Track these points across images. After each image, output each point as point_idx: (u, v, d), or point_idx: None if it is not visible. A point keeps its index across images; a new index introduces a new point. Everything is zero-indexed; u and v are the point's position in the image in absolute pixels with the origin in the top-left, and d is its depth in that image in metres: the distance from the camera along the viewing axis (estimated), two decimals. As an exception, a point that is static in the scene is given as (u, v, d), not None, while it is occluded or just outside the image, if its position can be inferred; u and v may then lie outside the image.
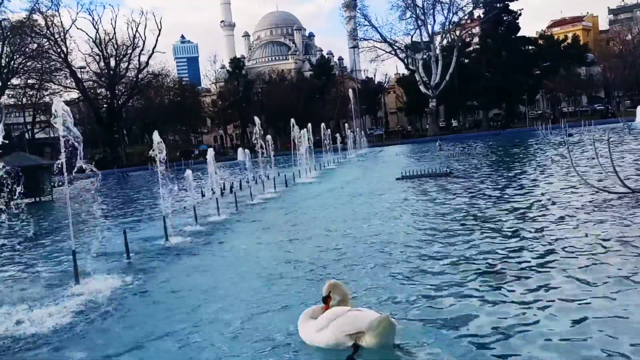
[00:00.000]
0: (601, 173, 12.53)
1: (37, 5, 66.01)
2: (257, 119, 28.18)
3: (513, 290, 5.57)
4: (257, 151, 26.98)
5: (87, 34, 75.65)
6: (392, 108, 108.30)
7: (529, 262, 6.58)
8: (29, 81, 69.92)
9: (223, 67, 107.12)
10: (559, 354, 4.10)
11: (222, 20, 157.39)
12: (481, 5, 79.20)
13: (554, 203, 10.65)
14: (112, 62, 78.03)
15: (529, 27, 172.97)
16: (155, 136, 11.61)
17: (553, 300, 5.17)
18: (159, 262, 9.06)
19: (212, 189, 18.97)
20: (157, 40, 79.00)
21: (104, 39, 75.84)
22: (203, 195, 19.28)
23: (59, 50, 70.95)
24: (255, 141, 27.37)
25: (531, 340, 4.35)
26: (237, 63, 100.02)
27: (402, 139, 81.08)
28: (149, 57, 78.54)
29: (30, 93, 71.45)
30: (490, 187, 14.60)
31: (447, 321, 4.91)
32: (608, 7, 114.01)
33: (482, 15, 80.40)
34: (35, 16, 67.06)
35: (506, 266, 6.48)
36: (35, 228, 15.43)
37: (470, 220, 9.73)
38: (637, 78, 75.64)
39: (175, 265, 8.79)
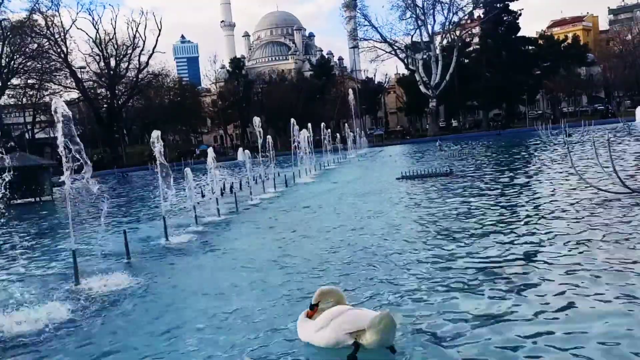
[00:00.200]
0: (601, 173, 12.52)
1: (37, 5, 66.21)
2: (257, 119, 28.12)
3: (513, 290, 5.56)
4: (259, 152, 26.92)
5: (87, 34, 75.99)
6: (392, 108, 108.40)
7: (529, 262, 6.58)
8: (29, 81, 69.99)
9: (223, 67, 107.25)
10: (559, 353, 4.10)
11: (222, 20, 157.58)
12: (481, 5, 79.34)
13: (553, 203, 10.65)
14: (112, 62, 78.17)
15: (529, 27, 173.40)
16: (154, 132, 11.61)
17: (552, 301, 5.16)
18: (159, 262, 9.07)
19: (212, 189, 18.94)
20: (157, 40, 79.30)
21: (104, 39, 76.09)
22: (203, 196, 19.27)
23: (59, 50, 71.04)
24: (257, 143, 27.30)
25: (531, 340, 4.34)
26: (237, 63, 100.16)
27: (402, 139, 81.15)
28: (149, 57, 78.86)
29: (30, 93, 71.53)
30: (490, 186, 14.59)
31: (447, 321, 4.90)
32: (608, 7, 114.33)
33: (482, 15, 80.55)
34: (35, 16, 67.19)
35: (506, 266, 6.48)
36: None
37: (471, 220, 9.73)
38: (637, 78, 75.68)
39: (175, 265, 8.79)
